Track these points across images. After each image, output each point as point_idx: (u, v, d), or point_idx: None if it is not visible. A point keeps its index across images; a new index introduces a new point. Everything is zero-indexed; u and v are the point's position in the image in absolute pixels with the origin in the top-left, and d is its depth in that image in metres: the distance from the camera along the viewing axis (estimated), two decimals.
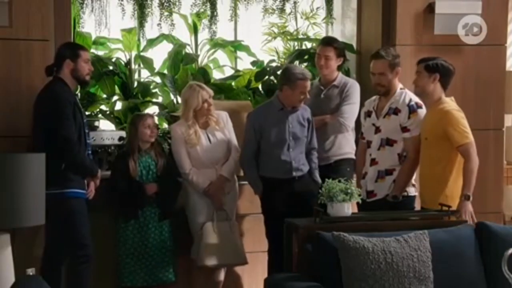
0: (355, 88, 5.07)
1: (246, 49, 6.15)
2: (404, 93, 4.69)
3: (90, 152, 4.66)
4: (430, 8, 5.42)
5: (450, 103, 4.54)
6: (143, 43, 5.94)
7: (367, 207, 4.59)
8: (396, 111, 4.65)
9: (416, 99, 4.67)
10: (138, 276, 4.77)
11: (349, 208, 4.14)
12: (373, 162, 4.72)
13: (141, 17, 5.79)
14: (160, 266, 4.80)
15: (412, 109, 4.62)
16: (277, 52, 6.28)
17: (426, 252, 3.74)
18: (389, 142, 4.66)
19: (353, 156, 5.08)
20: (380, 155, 4.69)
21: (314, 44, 6.07)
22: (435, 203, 4.42)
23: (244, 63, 6.24)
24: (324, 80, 5.16)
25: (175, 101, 5.83)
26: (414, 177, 4.71)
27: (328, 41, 5.20)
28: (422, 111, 4.63)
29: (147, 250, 4.77)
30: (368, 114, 4.82)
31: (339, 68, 5.21)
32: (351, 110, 5.02)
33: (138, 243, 4.77)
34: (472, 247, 3.95)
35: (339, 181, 4.15)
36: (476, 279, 3.89)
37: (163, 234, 4.83)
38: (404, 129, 4.63)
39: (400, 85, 4.73)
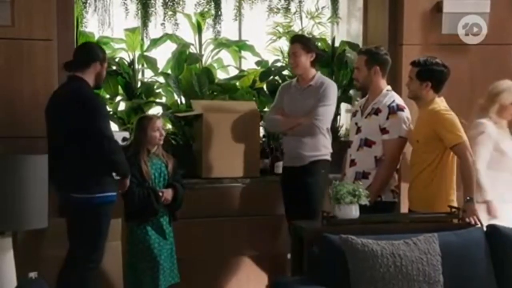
0: (330, 89, 4.94)
1: (251, 49, 6.10)
2: (389, 95, 4.59)
3: None
4: (438, 7, 5.37)
5: (439, 104, 4.45)
6: (146, 43, 5.89)
7: None
8: (377, 112, 4.55)
9: (399, 101, 4.56)
10: (158, 278, 4.65)
11: (356, 210, 4.09)
12: (352, 163, 4.63)
13: (145, 17, 5.75)
14: (173, 266, 4.75)
15: (392, 110, 4.49)
16: (281, 52, 6.21)
17: (436, 255, 3.69)
18: (367, 143, 4.56)
19: (328, 158, 4.98)
20: (359, 156, 4.59)
21: (319, 44, 6.02)
22: (419, 205, 4.41)
23: (249, 63, 6.19)
24: (301, 79, 5.05)
25: (179, 101, 5.78)
26: (395, 183, 4.61)
27: (294, 38, 5.15)
28: (403, 114, 4.51)
29: (163, 251, 4.70)
30: (354, 114, 4.75)
31: (313, 64, 5.05)
32: (325, 112, 4.89)
33: (154, 245, 4.67)
34: (482, 250, 3.89)
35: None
36: (487, 283, 3.83)
37: (172, 234, 4.77)
38: (383, 131, 4.52)
39: (387, 87, 4.64)
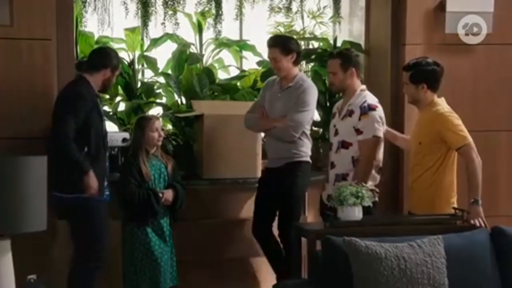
0: (309, 93, 4.79)
1: (252, 48, 6.06)
2: (362, 95, 4.58)
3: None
4: (441, 6, 5.32)
5: (442, 105, 4.43)
6: (146, 43, 5.87)
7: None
8: (351, 113, 4.56)
9: (371, 101, 4.55)
10: (158, 280, 4.62)
11: (359, 212, 4.07)
12: (332, 165, 4.65)
13: (145, 16, 5.73)
14: (172, 268, 4.72)
15: (363, 111, 4.50)
16: None
17: (441, 258, 3.63)
18: (344, 145, 4.57)
19: (305, 159, 4.85)
20: (337, 158, 4.61)
21: (321, 44, 6.00)
22: (420, 207, 4.39)
23: (250, 63, 6.16)
24: (283, 79, 4.90)
25: (179, 101, 5.74)
26: (376, 183, 4.55)
27: (272, 42, 4.91)
28: (375, 113, 4.50)
29: (164, 253, 4.66)
30: (333, 116, 4.75)
31: (296, 63, 4.91)
32: (300, 118, 4.75)
33: (154, 247, 4.63)
34: (487, 252, 3.83)
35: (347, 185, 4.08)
36: (493, 285, 3.77)
37: (172, 236, 4.73)
38: (358, 131, 4.52)
39: (361, 87, 4.63)
